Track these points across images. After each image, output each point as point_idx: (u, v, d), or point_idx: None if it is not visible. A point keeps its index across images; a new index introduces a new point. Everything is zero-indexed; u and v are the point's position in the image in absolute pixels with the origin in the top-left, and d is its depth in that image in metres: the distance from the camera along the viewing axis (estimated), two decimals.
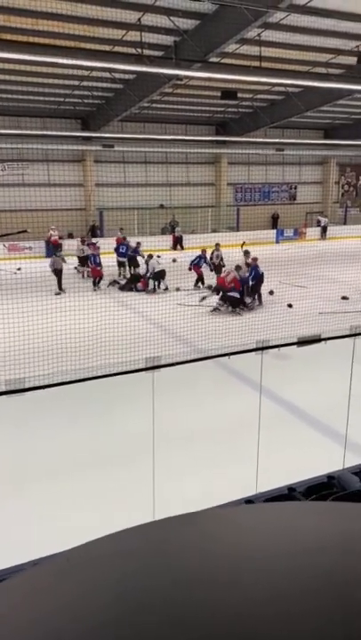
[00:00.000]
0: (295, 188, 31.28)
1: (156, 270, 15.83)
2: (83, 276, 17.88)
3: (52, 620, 0.66)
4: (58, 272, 15.53)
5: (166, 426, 5.46)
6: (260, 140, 25.30)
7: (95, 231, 23.87)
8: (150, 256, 16.11)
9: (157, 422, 4.91)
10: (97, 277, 16.46)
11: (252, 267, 14.16)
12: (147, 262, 16.20)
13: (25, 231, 19.19)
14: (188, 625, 0.62)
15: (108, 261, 17.31)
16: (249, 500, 3.96)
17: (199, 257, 16.40)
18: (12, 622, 0.67)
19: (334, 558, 0.74)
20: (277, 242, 26.65)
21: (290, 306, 13.59)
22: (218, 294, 13.81)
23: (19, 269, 15.70)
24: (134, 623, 0.62)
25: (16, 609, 0.71)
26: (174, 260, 16.50)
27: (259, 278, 14.00)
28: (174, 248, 23.45)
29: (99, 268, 16.58)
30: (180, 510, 3.52)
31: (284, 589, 0.67)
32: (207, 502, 4.07)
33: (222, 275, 14.18)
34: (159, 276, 15.87)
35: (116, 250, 18.18)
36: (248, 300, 13.95)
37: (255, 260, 14.48)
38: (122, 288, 16.14)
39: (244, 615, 0.64)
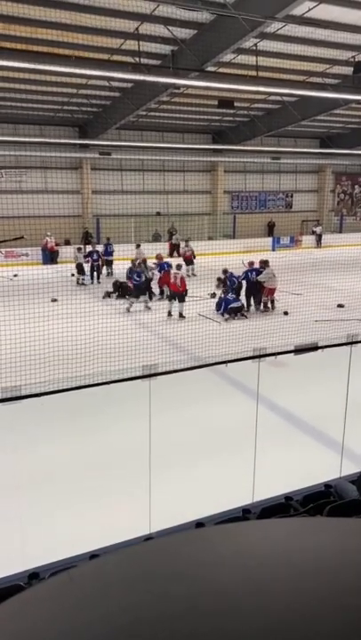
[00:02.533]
0: (291, 196, 31.43)
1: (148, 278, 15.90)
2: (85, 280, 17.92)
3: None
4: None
5: (163, 434, 5.44)
6: (257, 148, 25.46)
7: (88, 238, 23.84)
8: (144, 262, 16.14)
9: (154, 430, 4.89)
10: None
11: (247, 270, 14.22)
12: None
13: (22, 238, 19.15)
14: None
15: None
16: (246, 509, 3.95)
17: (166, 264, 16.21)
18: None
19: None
20: (273, 250, 26.73)
21: (286, 313, 13.63)
22: (175, 300, 13.73)
23: (15, 276, 15.68)
24: None
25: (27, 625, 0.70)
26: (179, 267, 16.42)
27: (253, 283, 14.03)
28: (170, 255, 23.48)
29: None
30: (177, 520, 3.51)
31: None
32: (204, 511, 4.06)
33: (171, 281, 14.05)
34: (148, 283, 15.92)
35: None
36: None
37: (251, 263, 14.51)
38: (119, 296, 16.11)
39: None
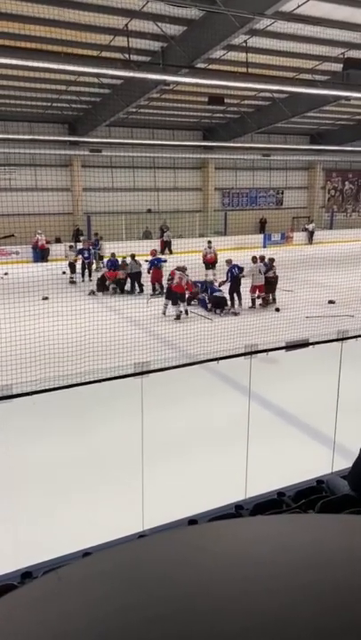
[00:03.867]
0: (282, 192, 31.51)
1: (133, 271, 15.92)
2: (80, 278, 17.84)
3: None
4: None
5: (155, 431, 5.44)
6: (247, 145, 25.47)
7: (79, 235, 23.76)
8: (133, 256, 16.13)
9: (146, 428, 4.90)
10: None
11: (230, 266, 14.27)
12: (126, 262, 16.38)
13: (12, 236, 19.05)
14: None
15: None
16: (239, 506, 3.96)
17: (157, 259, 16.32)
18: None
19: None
20: (265, 246, 26.77)
21: (277, 310, 13.67)
22: (172, 301, 13.40)
23: (5, 274, 15.60)
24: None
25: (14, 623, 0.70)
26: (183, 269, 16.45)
27: (236, 279, 14.12)
28: (162, 253, 23.47)
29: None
30: (170, 517, 3.51)
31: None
32: (197, 508, 4.07)
33: (175, 282, 13.41)
34: (135, 277, 15.97)
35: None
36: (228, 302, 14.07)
37: (229, 261, 14.55)
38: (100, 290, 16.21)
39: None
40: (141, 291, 16.02)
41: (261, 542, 0.85)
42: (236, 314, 13.56)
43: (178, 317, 13.13)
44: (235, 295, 14.06)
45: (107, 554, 0.85)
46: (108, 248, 18.96)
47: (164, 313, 13.38)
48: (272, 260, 14.74)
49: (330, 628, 0.64)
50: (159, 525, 3.77)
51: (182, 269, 13.78)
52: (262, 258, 14.87)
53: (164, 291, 14.39)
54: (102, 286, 16.18)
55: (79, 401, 6.22)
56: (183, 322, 12.59)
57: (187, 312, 13.34)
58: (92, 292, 16.05)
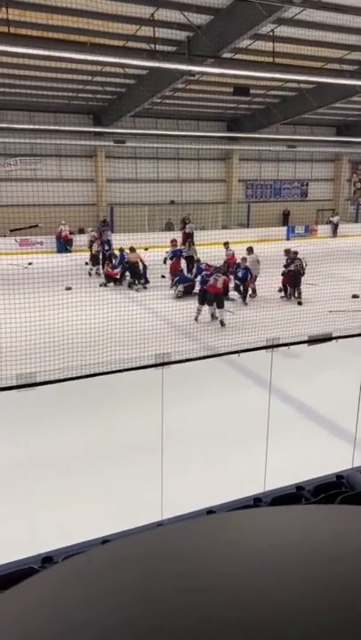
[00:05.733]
0: (307, 184, 31.09)
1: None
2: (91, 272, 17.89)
3: (76, 616, 0.67)
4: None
5: (175, 422, 5.48)
6: (272, 136, 25.15)
7: (105, 227, 23.83)
8: (132, 249, 16.15)
9: (166, 419, 4.93)
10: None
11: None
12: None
13: (36, 226, 19.24)
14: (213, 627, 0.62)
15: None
16: (257, 498, 3.97)
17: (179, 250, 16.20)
18: (34, 619, 0.68)
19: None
20: (288, 239, 26.52)
21: (300, 304, 13.57)
22: (207, 302, 12.69)
23: (30, 264, 15.76)
24: (155, 626, 0.63)
25: (41, 605, 0.72)
26: (163, 276, 16.47)
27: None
28: (184, 244, 23.40)
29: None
30: (189, 508, 3.53)
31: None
32: (216, 499, 4.09)
33: (210, 283, 12.58)
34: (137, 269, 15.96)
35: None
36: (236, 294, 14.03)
37: (287, 251, 14.72)
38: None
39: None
40: (146, 282, 15.98)
41: (284, 532, 0.85)
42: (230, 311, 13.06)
43: (213, 317, 12.60)
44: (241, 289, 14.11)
45: (133, 540, 0.86)
46: (120, 240, 18.63)
47: (196, 319, 12.42)
48: (295, 252, 14.58)
49: (351, 620, 0.64)
50: (177, 515, 3.80)
51: (219, 270, 13.16)
52: (288, 251, 14.70)
53: (179, 283, 14.52)
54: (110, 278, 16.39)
55: (101, 390, 6.29)
56: (204, 314, 12.57)
57: (222, 323, 12.25)
58: (103, 285, 16.18)
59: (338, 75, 16.09)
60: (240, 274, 14.03)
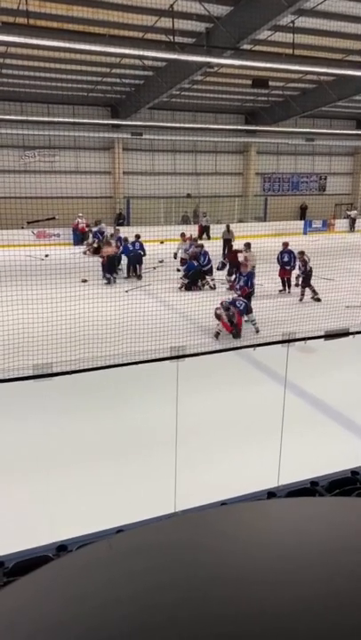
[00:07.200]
0: (325, 178, 30.75)
1: (131, 255, 15.98)
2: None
3: (98, 598, 0.67)
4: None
5: (189, 415, 5.48)
6: (290, 129, 24.89)
7: (121, 219, 23.88)
8: (126, 239, 16.18)
9: (180, 412, 4.94)
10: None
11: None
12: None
13: (53, 218, 19.32)
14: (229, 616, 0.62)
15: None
16: (271, 493, 3.97)
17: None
18: (59, 600, 0.69)
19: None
20: (305, 233, 26.31)
21: (318, 300, 13.44)
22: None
23: (46, 256, 15.85)
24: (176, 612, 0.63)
25: (65, 586, 0.73)
26: (161, 261, 16.34)
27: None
28: (200, 238, 23.32)
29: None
30: (202, 500, 3.54)
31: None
32: (229, 493, 4.09)
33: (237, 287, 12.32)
34: (135, 261, 15.98)
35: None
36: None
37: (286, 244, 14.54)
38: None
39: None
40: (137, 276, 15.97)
41: (303, 523, 0.85)
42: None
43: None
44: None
45: (151, 529, 0.87)
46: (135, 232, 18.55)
47: (216, 336, 11.39)
48: (301, 252, 13.87)
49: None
50: (191, 508, 3.81)
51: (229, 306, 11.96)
52: (302, 253, 14.23)
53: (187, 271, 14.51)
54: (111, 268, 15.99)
55: (116, 381, 6.32)
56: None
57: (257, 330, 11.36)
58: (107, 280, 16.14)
59: (359, 67, 15.84)
60: (242, 282, 12.60)
